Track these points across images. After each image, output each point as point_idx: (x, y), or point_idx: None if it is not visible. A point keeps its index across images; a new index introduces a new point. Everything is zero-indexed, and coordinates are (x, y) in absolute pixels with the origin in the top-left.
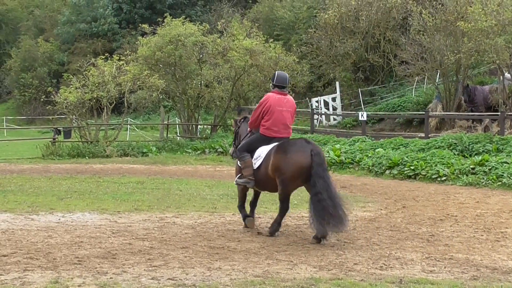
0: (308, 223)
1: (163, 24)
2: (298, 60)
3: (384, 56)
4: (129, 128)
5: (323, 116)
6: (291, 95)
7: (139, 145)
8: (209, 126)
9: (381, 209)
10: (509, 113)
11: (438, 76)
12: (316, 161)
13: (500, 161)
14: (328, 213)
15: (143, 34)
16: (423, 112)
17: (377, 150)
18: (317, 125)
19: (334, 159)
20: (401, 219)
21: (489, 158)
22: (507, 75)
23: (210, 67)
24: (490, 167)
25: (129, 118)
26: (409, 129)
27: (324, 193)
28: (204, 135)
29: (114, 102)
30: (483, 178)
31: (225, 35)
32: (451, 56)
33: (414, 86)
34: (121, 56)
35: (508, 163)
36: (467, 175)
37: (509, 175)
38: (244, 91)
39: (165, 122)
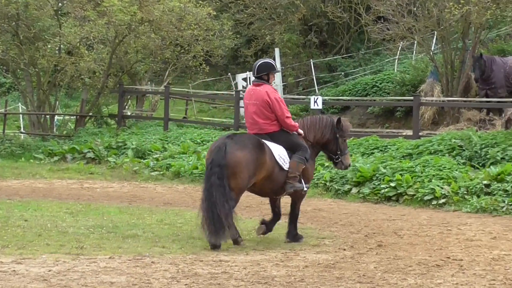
0: None
1: None
2: (216, 13)
3: (350, 9)
4: None
5: None
6: (204, 67)
7: None
8: (73, 117)
9: (345, 249)
10: None
11: (434, 41)
12: (212, 158)
13: None
14: (205, 223)
15: None
16: (411, 98)
17: None
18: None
19: None
20: (375, 265)
21: None
22: None
23: (75, 23)
24: None
25: None
26: (389, 124)
27: (205, 201)
28: (64, 132)
29: None
30: (504, 202)
31: None
32: (455, 10)
33: (397, 57)
34: None
35: None
36: (478, 196)
37: None
38: (130, 62)
39: (0, 110)
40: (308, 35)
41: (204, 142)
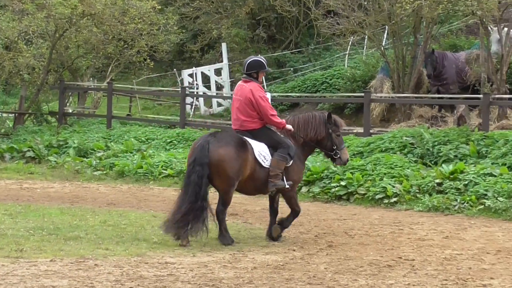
0: None
1: None
2: (160, 7)
3: (299, 2)
4: None
5: (201, 100)
6: (149, 63)
7: None
8: (12, 115)
9: (294, 250)
10: (497, 96)
11: (385, 36)
12: (195, 157)
13: (482, 172)
14: (171, 215)
15: None
16: (362, 94)
17: None
18: (192, 113)
19: None
20: (325, 266)
21: (465, 167)
22: (494, 33)
23: (13, 16)
24: (466, 182)
25: None
26: None
27: (180, 197)
28: (2, 130)
29: None
30: (456, 200)
31: None
32: (407, 4)
33: (347, 52)
34: None
35: (494, 176)
36: (430, 195)
37: (495, 195)
38: (71, 57)
39: None
40: (256, 29)
41: (149, 140)
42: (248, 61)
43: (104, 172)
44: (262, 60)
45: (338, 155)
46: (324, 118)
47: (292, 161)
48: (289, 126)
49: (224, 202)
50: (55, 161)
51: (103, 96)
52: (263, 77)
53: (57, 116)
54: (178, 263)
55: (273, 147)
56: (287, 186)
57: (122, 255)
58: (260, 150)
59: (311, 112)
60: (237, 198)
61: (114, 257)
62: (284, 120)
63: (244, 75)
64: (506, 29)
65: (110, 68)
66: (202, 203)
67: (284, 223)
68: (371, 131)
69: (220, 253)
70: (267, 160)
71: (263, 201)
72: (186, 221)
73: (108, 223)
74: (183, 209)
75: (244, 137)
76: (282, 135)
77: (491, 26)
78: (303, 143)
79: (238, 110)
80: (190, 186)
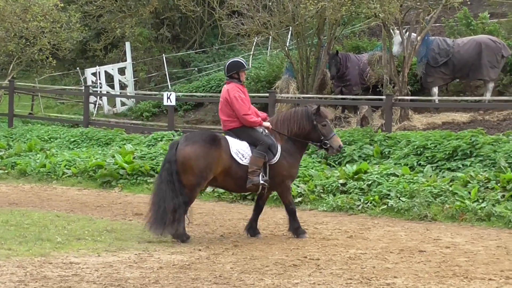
0: None
1: None
2: (63, 5)
3: (204, 2)
4: None
5: (105, 99)
6: (51, 61)
7: None
8: None
9: (200, 250)
10: (399, 97)
11: (289, 36)
12: (165, 156)
13: (385, 172)
14: (149, 214)
15: None
16: (267, 94)
17: None
18: (95, 112)
19: (123, 167)
20: (231, 266)
21: (368, 167)
22: (396, 35)
23: None
24: (369, 182)
25: None
26: None
27: (154, 195)
28: None
29: None
30: (360, 200)
31: None
32: (311, 5)
33: (252, 52)
34: None
35: (397, 176)
36: (334, 195)
37: (398, 195)
38: None
39: None
40: (160, 29)
41: (51, 139)
42: (227, 64)
43: (6, 171)
44: (240, 60)
45: (328, 145)
46: (307, 112)
47: (278, 157)
48: (266, 124)
49: (188, 198)
50: None
51: (4, 94)
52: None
53: None
54: (83, 263)
55: (254, 144)
56: (261, 182)
57: (25, 255)
58: (239, 148)
59: (295, 108)
60: (141, 198)
61: (17, 258)
62: (259, 119)
63: (226, 78)
64: (407, 33)
65: (11, 66)
66: (183, 198)
67: (293, 225)
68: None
69: (126, 253)
70: (245, 158)
71: None
72: (172, 217)
73: (11, 223)
74: (167, 206)
75: (227, 136)
76: (266, 133)
77: (393, 29)
78: (290, 139)
79: (221, 111)
80: (163, 183)
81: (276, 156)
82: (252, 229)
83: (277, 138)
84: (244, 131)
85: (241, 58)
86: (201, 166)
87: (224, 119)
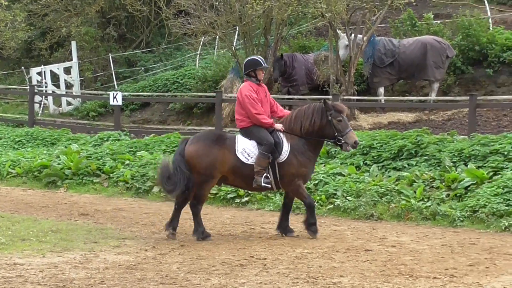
0: None
1: None
2: (7, 3)
3: (150, 2)
4: None
5: (50, 98)
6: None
7: None
8: None
9: (146, 250)
10: (345, 97)
11: (236, 36)
12: (176, 150)
13: (331, 172)
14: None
15: None
16: (213, 94)
17: (139, 153)
18: (40, 112)
19: (69, 167)
20: (178, 266)
21: (315, 167)
22: (342, 39)
23: None
24: (316, 182)
25: None
26: (191, 121)
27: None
28: None
29: None
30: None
31: None
32: (257, 5)
33: (199, 52)
34: None
35: (343, 175)
36: (281, 195)
37: (344, 194)
38: None
39: None
40: (106, 28)
41: None
42: (244, 62)
43: None
44: (257, 58)
45: (342, 141)
46: (320, 107)
47: (286, 155)
48: (278, 126)
49: (196, 196)
50: None
51: None
52: (245, 78)
53: None
54: (27, 264)
55: (261, 144)
56: (263, 185)
57: None
58: (245, 148)
59: (308, 104)
60: (87, 198)
61: None
62: (271, 120)
63: (244, 76)
64: (353, 34)
65: None
66: (188, 175)
67: (309, 220)
68: (224, 130)
69: (71, 254)
70: (251, 157)
71: (114, 200)
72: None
73: None
74: (175, 167)
75: (238, 134)
76: (274, 133)
77: (340, 31)
78: (303, 136)
79: (235, 110)
80: (175, 159)
81: (283, 154)
82: (281, 227)
83: (287, 136)
84: (251, 130)
85: (259, 56)
86: (204, 165)
87: (236, 117)
